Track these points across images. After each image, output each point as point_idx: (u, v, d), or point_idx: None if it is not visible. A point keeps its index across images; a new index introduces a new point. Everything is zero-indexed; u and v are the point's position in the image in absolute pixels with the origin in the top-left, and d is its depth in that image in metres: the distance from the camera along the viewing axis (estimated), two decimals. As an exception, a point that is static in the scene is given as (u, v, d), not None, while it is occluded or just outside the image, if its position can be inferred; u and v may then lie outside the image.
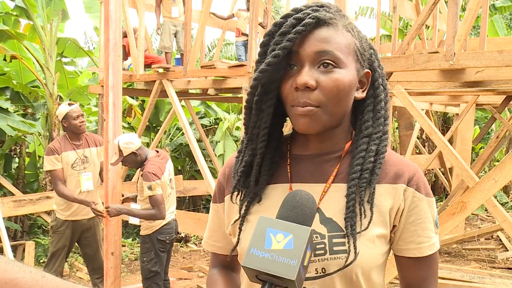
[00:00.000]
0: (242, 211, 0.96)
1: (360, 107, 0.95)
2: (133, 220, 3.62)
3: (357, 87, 0.93)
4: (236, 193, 0.98)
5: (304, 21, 0.87)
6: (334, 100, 0.87)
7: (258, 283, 0.77)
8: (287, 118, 0.97)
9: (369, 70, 0.95)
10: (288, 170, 0.96)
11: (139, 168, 3.60)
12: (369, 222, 0.88)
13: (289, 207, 0.79)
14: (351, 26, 0.92)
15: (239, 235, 0.96)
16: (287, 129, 1.06)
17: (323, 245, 0.88)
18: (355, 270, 0.87)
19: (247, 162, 0.96)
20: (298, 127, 0.89)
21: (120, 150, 3.46)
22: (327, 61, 0.87)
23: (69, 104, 3.92)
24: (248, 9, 7.21)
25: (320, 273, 0.88)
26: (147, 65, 6.82)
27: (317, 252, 0.88)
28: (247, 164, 0.96)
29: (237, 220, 0.98)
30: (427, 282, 0.95)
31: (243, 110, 0.96)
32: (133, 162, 3.54)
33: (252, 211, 0.96)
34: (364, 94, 0.94)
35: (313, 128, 0.89)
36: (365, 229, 0.88)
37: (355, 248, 0.86)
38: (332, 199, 0.91)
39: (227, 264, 1.09)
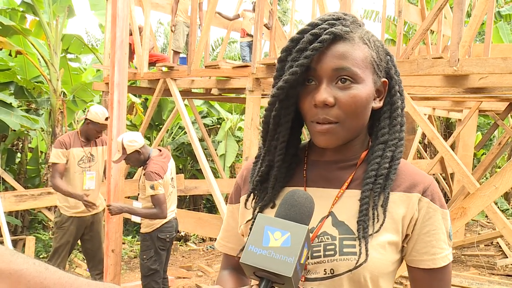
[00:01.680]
0: (256, 212, 0.98)
1: (377, 114, 0.97)
2: (135, 218, 3.64)
3: (374, 97, 0.94)
4: (250, 198, 1.00)
5: (320, 38, 0.87)
6: (353, 116, 0.89)
7: (256, 280, 0.78)
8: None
9: (386, 79, 0.95)
10: (304, 175, 0.98)
11: (142, 167, 3.62)
12: (381, 226, 0.89)
13: (287, 206, 0.81)
14: (367, 37, 0.92)
15: (249, 235, 0.98)
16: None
17: (333, 246, 0.89)
18: (363, 273, 0.87)
19: (263, 172, 0.98)
20: (318, 142, 0.91)
21: (123, 148, 3.47)
22: (345, 77, 0.88)
23: (108, 118, 3.92)
24: (253, 10, 7.23)
25: (328, 273, 0.89)
26: (152, 63, 6.84)
27: (326, 253, 0.89)
28: (263, 174, 0.98)
29: (249, 220, 1.00)
30: None
31: (261, 124, 0.98)
32: (136, 161, 3.56)
33: (265, 212, 0.97)
34: (381, 104, 0.96)
35: (332, 143, 0.91)
36: (376, 232, 0.89)
37: (366, 250, 0.87)
38: (345, 204, 0.93)
39: (238, 266, 1.09)
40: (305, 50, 0.88)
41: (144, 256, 3.63)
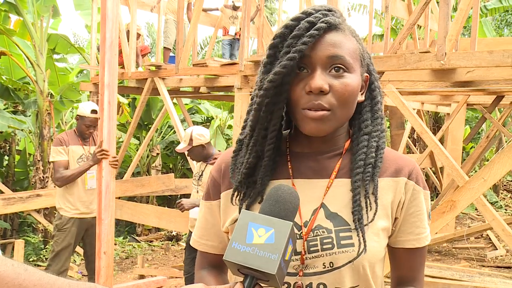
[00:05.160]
0: (244, 209, 0.95)
1: (358, 108, 0.97)
2: (194, 214, 3.65)
3: None
4: (236, 194, 0.97)
5: (317, 25, 0.88)
6: (344, 104, 0.90)
7: (240, 276, 0.78)
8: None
9: (367, 74, 0.98)
10: (289, 166, 0.97)
11: (205, 162, 3.71)
12: (375, 214, 0.92)
13: (271, 202, 0.80)
14: (354, 32, 0.95)
15: (233, 232, 0.96)
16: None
17: (330, 240, 0.90)
18: (362, 263, 0.89)
19: (251, 163, 0.95)
20: (308, 130, 0.90)
21: (191, 139, 3.60)
22: (339, 65, 0.89)
23: (94, 111, 3.88)
24: (234, 9, 7.19)
25: (328, 267, 0.89)
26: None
27: (324, 247, 0.89)
28: (251, 166, 0.95)
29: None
30: (419, 270, 1.01)
31: (251, 111, 0.95)
32: (199, 154, 3.67)
33: (253, 208, 0.95)
34: (363, 97, 0.98)
35: (323, 131, 0.91)
36: (371, 221, 0.91)
37: (364, 241, 0.89)
38: (336, 194, 0.94)
39: (217, 264, 1.07)
40: (302, 36, 0.88)
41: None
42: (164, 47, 6.96)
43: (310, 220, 0.91)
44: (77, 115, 3.96)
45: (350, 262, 0.89)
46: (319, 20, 0.89)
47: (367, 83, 0.98)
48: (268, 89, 0.90)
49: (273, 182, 0.96)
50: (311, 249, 0.89)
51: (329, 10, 0.93)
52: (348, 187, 0.93)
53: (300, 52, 0.87)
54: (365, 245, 0.89)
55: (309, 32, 0.87)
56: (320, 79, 0.87)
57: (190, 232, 3.81)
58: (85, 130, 3.93)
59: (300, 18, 0.90)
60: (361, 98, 0.96)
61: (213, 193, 1.03)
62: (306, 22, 0.88)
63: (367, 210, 0.91)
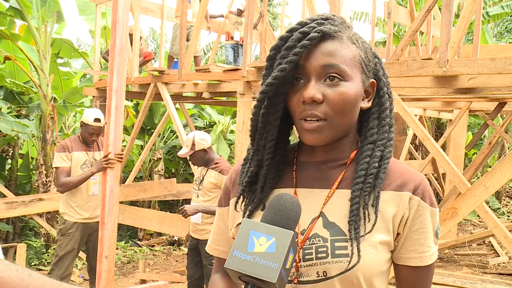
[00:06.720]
0: (246, 215, 0.98)
1: (366, 115, 0.97)
2: (195, 219, 3.65)
3: (362, 97, 0.95)
4: (240, 200, 0.99)
5: (309, 35, 0.88)
6: (341, 113, 0.89)
7: (241, 284, 0.79)
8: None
9: (374, 80, 0.96)
10: (294, 176, 0.98)
11: (206, 167, 3.71)
12: (373, 226, 0.89)
13: (273, 210, 0.80)
14: (355, 38, 0.94)
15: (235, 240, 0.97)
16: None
17: (325, 249, 0.89)
18: (356, 275, 0.87)
19: (253, 172, 0.97)
20: (306, 140, 0.91)
21: (193, 144, 3.62)
22: (333, 74, 0.89)
23: (97, 120, 3.92)
24: (238, 14, 7.22)
25: (321, 276, 0.88)
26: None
27: (318, 256, 0.89)
28: (253, 175, 0.97)
29: (239, 224, 0.98)
30: None
31: (250, 122, 0.97)
32: (200, 159, 3.68)
33: (255, 215, 0.97)
34: (369, 104, 0.96)
35: (321, 141, 0.91)
36: (368, 232, 0.89)
37: (358, 252, 0.87)
38: (336, 204, 0.93)
39: None
40: (294, 47, 0.89)
41: (213, 261, 3.68)
42: (169, 55, 6.96)
43: (307, 228, 0.91)
44: (81, 121, 3.99)
45: (342, 273, 0.87)
46: (312, 29, 0.89)
47: (374, 89, 0.96)
48: (261, 100, 0.92)
49: (276, 190, 0.97)
50: (306, 257, 0.89)
51: (326, 19, 0.92)
52: (349, 198, 0.92)
53: (291, 63, 0.88)
54: (358, 256, 0.87)
55: (301, 43, 0.88)
56: (312, 89, 0.88)
57: (192, 237, 3.80)
58: (88, 137, 3.95)
59: (294, 29, 0.92)
60: (367, 105, 0.96)
61: (224, 200, 1.07)
62: (299, 33, 0.89)
63: (365, 222, 0.90)
